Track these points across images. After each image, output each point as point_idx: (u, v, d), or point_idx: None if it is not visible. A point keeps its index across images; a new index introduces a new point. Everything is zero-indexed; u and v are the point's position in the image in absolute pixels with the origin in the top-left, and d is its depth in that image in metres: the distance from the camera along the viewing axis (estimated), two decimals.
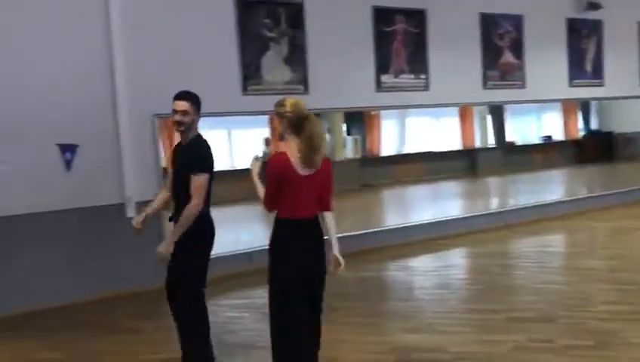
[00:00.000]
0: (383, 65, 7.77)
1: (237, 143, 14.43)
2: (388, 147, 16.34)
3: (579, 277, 6.13)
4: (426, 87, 8.11)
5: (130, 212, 6.16)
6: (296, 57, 7.13)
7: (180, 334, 4.08)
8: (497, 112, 17.40)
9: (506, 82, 8.83)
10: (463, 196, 13.58)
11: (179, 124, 3.89)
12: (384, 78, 7.78)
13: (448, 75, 8.20)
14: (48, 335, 5.17)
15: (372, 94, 7.74)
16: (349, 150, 15.06)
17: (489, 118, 17.60)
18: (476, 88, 8.58)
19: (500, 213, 9.21)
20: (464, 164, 16.97)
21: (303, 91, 7.18)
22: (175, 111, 3.87)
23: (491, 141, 17.76)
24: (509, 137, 17.89)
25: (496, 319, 4.88)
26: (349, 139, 15.20)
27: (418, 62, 8.03)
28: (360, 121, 15.79)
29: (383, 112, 15.66)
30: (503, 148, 17.48)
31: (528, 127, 18.49)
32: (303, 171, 3.36)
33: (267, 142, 13.90)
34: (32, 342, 5.05)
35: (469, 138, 17.36)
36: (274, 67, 7.00)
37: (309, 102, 6.06)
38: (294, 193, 3.37)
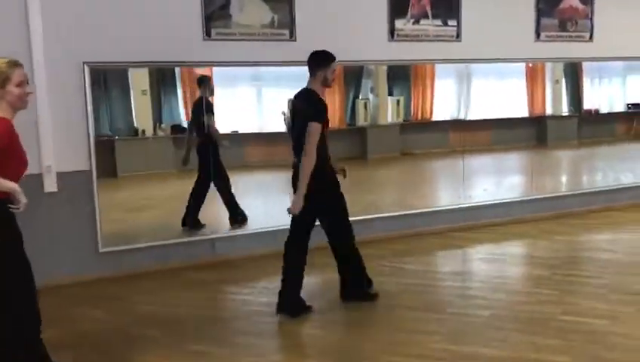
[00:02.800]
0: (398, 9, 6.09)
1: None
2: (441, 111, 14.42)
3: None
4: (456, 37, 6.36)
5: (50, 185, 4.94)
6: None
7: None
8: (573, 74, 15.04)
9: (567, 33, 6.91)
10: (525, 172, 11.63)
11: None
12: (399, 24, 6.10)
13: (486, 23, 6.41)
14: None
15: (384, 45, 6.09)
16: (389, 113, 13.27)
17: (564, 82, 15.25)
18: (525, 40, 6.73)
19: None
20: (531, 133, 14.84)
21: (289, 38, 5.65)
22: (334, 71, 4.26)
23: (565, 108, 15.45)
24: (588, 104, 15.49)
25: None
26: (390, 100, 13.34)
27: (444, 3, 6.29)
28: (405, 80, 13.90)
29: (438, 71, 13.78)
30: (579, 117, 15.18)
31: (611, 92, 15.97)
32: None
33: None
34: None
35: (539, 104, 15.13)
36: (248, 5, 5.49)
37: (296, 52, 4.85)
38: None
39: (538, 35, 6.75)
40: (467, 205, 6.83)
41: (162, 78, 11.67)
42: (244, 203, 6.35)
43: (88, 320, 4.28)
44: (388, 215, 6.44)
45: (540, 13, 6.71)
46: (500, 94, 14.63)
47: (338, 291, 4.45)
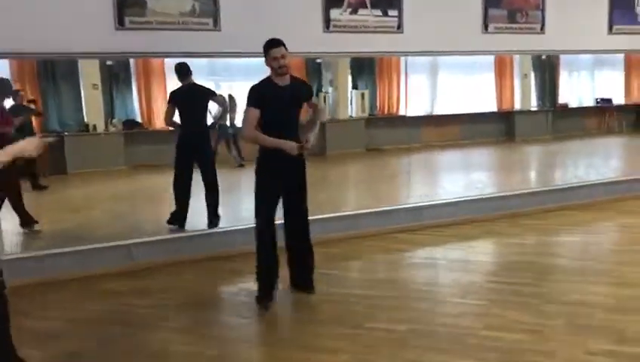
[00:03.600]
0: None
1: None
2: (410, 105, 14.08)
3: None
4: (397, 28, 6.00)
5: None
6: None
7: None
8: (542, 69, 14.85)
9: (517, 25, 6.58)
10: (487, 168, 11.38)
11: (282, 67, 4.18)
12: (335, 14, 5.73)
13: (429, 14, 6.06)
14: None
15: (319, 36, 5.73)
16: (352, 107, 12.91)
17: (532, 76, 15.04)
18: (472, 32, 6.39)
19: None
20: (500, 128, 14.62)
21: (212, 27, 5.26)
22: (275, 58, 4.17)
23: (534, 103, 15.25)
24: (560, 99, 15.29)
25: None
26: (354, 94, 12.96)
27: None
28: (370, 73, 13.53)
29: (404, 64, 13.46)
30: (546, 112, 15.00)
31: (580, 87, 15.77)
32: None
33: None
34: None
35: (507, 99, 14.89)
36: None
37: (221, 42, 4.97)
38: None
39: (486, 26, 6.41)
40: (417, 205, 6.47)
41: (115, 71, 11.26)
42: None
43: None
44: (329, 215, 6.06)
45: (488, 4, 6.37)
46: (468, 89, 14.38)
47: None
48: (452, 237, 5.91)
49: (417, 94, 13.88)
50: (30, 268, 4.85)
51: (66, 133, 10.27)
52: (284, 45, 4.17)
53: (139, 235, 5.42)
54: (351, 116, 12.71)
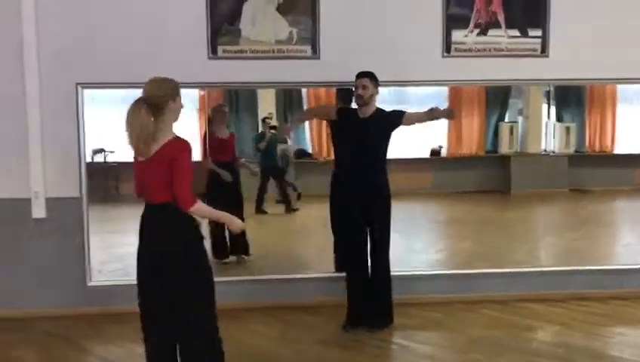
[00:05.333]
0: (456, 17, 4.91)
1: None
2: (622, 142, 12.00)
3: None
4: (540, 52, 4.95)
5: (38, 212, 4.75)
6: (300, 3, 4.80)
7: None
8: None
9: None
10: None
11: (359, 97, 4.39)
12: (457, 36, 4.91)
13: (583, 32, 4.90)
14: None
15: (435, 62, 4.95)
16: (555, 141, 11.32)
17: None
18: None
19: None
20: None
21: (311, 55, 4.83)
22: (356, 88, 4.40)
23: None
24: None
25: None
26: (558, 127, 11.35)
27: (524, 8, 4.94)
28: (577, 103, 11.79)
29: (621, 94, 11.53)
30: None
31: None
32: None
33: None
34: None
35: None
36: (262, 18, 4.80)
37: (321, 72, 4.71)
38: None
39: None
40: (565, 268, 5.28)
41: (290, 102, 11.37)
42: None
43: None
44: (437, 272, 5.21)
45: None
46: None
47: None
48: (604, 317, 4.65)
49: (631, 128, 11.75)
50: None
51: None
52: (369, 76, 4.37)
53: None
54: (545, 151, 11.19)
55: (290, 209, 8.15)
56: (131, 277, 3.18)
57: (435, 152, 10.57)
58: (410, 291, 4.94)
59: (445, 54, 4.91)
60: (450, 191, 10.05)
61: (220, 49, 4.78)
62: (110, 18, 4.70)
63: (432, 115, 4.41)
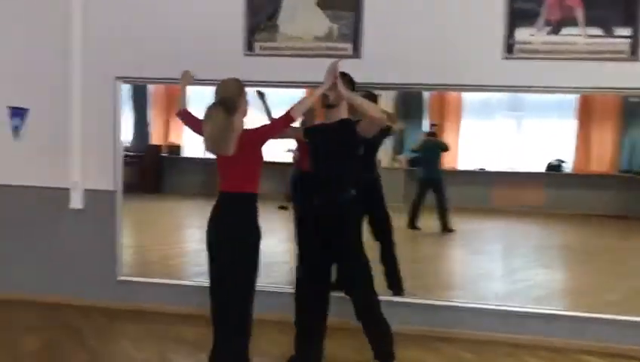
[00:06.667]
0: (522, 12, 4.20)
1: None
2: None
3: None
4: (631, 54, 4.09)
5: (76, 202, 4.82)
6: None
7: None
8: None
9: None
10: None
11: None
12: (522, 34, 4.20)
13: None
14: None
15: (494, 64, 4.27)
16: None
17: None
18: None
19: None
20: None
21: (351, 54, 4.40)
22: None
23: None
24: None
25: None
26: None
27: (610, 4, 4.10)
28: None
29: None
30: None
31: None
32: None
33: None
34: None
35: None
36: (301, 13, 4.46)
37: (361, 72, 4.10)
38: None
39: None
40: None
41: (406, 105, 10.85)
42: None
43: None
44: (504, 308, 4.51)
45: None
46: None
47: None
48: None
49: None
50: None
51: None
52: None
53: None
54: None
55: (447, 228, 7.44)
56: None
57: (553, 167, 9.49)
58: (442, 324, 4.36)
59: (507, 55, 4.23)
60: (566, 213, 8.95)
61: (256, 45, 4.52)
62: (146, 14, 4.64)
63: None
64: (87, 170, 4.79)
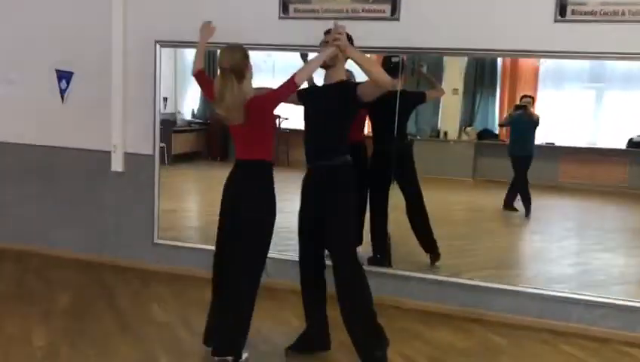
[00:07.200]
0: None
1: None
2: None
3: None
4: None
5: (116, 165, 4.91)
6: None
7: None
8: None
9: None
10: None
11: None
12: None
13: None
14: None
15: (545, 27, 3.91)
16: None
17: None
18: None
19: None
20: None
21: (389, 16, 4.17)
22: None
23: None
24: None
25: None
26: None
27: None
28: None
29: None
30: None
31: None
32: None
33: None
34: None
35: None
36: None
37: (399, 36, 4.13)
38: None
39: None
40: None
41: (479, 75, 10.36)
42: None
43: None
44: (542, 292, 4.21)
45: None
46: None
47: None
48: None
49: None
50: None
51: (417, 138, 9.99)
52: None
53: None
54: None
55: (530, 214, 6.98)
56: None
57: (636, 143, 8.76)
58: (476, 304, 4.14)
59: (559, 18, 3.86)
60: None
61: (291, 7, 4.36)
62: None
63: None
64: (127, 133, 4.86)
